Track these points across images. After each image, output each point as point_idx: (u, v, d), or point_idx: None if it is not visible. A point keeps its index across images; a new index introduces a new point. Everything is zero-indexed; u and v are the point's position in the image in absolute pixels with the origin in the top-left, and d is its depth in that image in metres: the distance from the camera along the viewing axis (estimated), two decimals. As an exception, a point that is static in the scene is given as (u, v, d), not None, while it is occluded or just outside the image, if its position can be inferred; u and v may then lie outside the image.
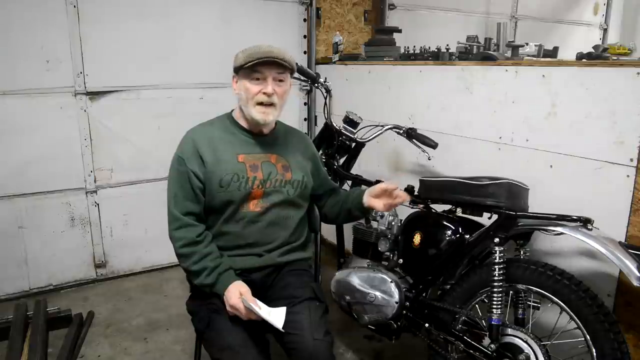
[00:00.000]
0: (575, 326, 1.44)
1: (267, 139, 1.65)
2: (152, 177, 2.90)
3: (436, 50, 2.58)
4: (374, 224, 2.04)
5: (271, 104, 1.54)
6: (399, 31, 3.08)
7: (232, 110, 1.68)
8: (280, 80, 1.55)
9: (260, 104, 1.53)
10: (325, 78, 2.19)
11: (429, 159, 2.01)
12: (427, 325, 1.76)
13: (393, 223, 1.98)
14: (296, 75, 2.15)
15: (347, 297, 1.92)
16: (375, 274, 1.88)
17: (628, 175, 1.58)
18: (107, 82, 2.69)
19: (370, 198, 1.65)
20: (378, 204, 1.63)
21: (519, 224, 1.56)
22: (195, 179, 1.52)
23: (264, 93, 1.52)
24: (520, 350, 1.51)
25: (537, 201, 1.71)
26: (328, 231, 2.83)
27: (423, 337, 1.80)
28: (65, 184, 2.69)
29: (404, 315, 1.83)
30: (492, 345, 1.54)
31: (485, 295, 1.64)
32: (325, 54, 3.36)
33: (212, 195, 1.53)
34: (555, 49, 2.85)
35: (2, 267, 2.60)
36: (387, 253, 1.96)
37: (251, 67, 1.50)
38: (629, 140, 1.57)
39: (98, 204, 2.81)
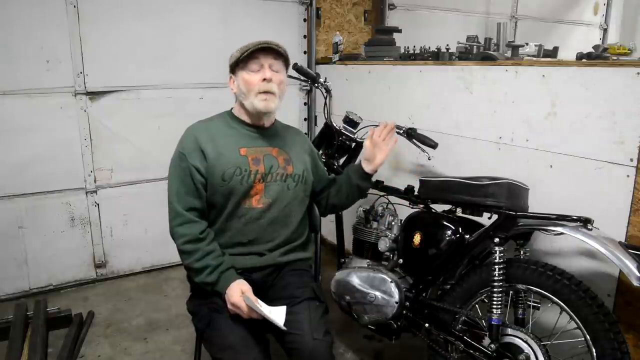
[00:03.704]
0: (575, 326, 1.44)
1: (268, 132, 1.66)
2: (152, 177, 2.90)
3: (436, 50, 2.57)
4: (374, 224, 2.04)
5: (272, 92, 1.56)
6: (399, 31, 3.08)
7: (231, 109, 1.69)
8: (276, 70, 1.58)
9: (262, 92, 1.55)
10: (325, 78, 2.19)
11: (429, 159, 2.01)
12: (427, 325, 1.76)
13: (393, 223, 1.98)
14: (296, 75, 2.17)
15: (347, 297, 1.92)
16: (375, 274, 1.88)
17: (628, 175, 1.58)
18: (107, 82, 2.69)
19: (369, 163, 1.72)
20: (379, 159, 1.71)
21: (519, 224, 1.56)
22: (197, 174, 1.52)
23: (264, 79, 1.54)
24: (520, 350, 1.51)
25: (537, 201, 1.71)
26: (328, 231, 2.83)
27: (423, 337, 1.80)
28: (65, 184, 2.69)
29: (404, 315, 1.83)
30: (492, 345, 1.54)
31: (485, 295, 1.64)
32: (325, 54, 3.36)
33: (214, 189, 1.54)
34: (555, 49, 2.84)
35: (2, 267, 2.60)
36: (387, 253, 1.96)
37: (247, 57, 1.53)
38: (629, 140, 1.57)
39: (98, 204, 2.81)
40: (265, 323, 1.41)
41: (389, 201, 2.04)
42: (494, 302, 1.54)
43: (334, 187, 1.83)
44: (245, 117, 1.63)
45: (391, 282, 1.83)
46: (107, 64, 2.67)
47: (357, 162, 1.82)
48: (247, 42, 1.56)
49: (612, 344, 1.36)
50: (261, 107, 1.56)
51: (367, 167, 1.73)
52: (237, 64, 1.57)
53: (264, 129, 1.65)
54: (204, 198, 1.55)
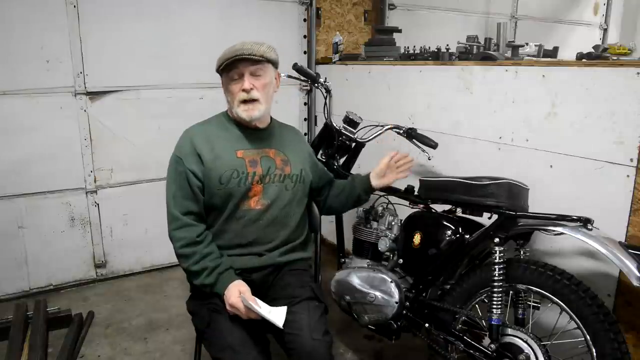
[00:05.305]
0: (575, 326, 1.44)
1: (264, 133, 1.66)
2: (152, 177, 2.90)
3: (436, 50, 2.57)
4: (374, 224, 2.04)
5: (254, 100, 1.55)
6: (399, 31, 3.08)
7: (227, 110, 1.69)
8: (259, 75, 1.55)
9: (244, 102, 1.55)
10: (325, 78, 2.19)
11: (429, 159, 2.01)
12: (427, 325, 1.76)
13: (393, 223, 1.98)
14: (296, 75, 2.17)
15: (347, 297, 1.92)
16: (375, 274, 1.88)
17: (628, 175, 1.58)
18: (107, 82, 2.69)
19: (379, 181, 1.76)
20: (388, 179, 1.74)
21: (519, 224, 1.56)
22: (193, 178, 1.52)
23: (243, 90, 1.53)
24: (520, 350, 1.51)
25: (537, 201, 1.71)
26: (328, 231, 2.83)
27: (423, 337, 1.80)
28: (65, 183, 2.69)
29: (404, 315, 1.83)
30: (492, 345, 1.54)
31: (485, 295, 1.64)
32: (325, 54, 3.36)
33: (212, 192, 1.53)
34: (555, 49, 2.84)
35: (2, 267, 2.60)
36: (387, 253, 1.96)
37: (226, 68, 1.53)
38: (629, 140, 1.57)
39: (98, 204, 2.81)
40: (265, 323, 1.41)
41: (389, 201, 2.04)
42: (494, 302, 1.54)
43: (335, 189, 1.83)
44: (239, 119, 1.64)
45: (391, 282, 1.83)
46: (107, 64, 2.67)
47: (366, 172, 1.87)
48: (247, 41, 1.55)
49: (612, 344, 1.36)
50: (244, 117, 1.56)
51: (375, 182, 1.79)
52: (219, 72, 1.57)
53: (260, 130, 1.65)
54: (201, 201, 1.55)
